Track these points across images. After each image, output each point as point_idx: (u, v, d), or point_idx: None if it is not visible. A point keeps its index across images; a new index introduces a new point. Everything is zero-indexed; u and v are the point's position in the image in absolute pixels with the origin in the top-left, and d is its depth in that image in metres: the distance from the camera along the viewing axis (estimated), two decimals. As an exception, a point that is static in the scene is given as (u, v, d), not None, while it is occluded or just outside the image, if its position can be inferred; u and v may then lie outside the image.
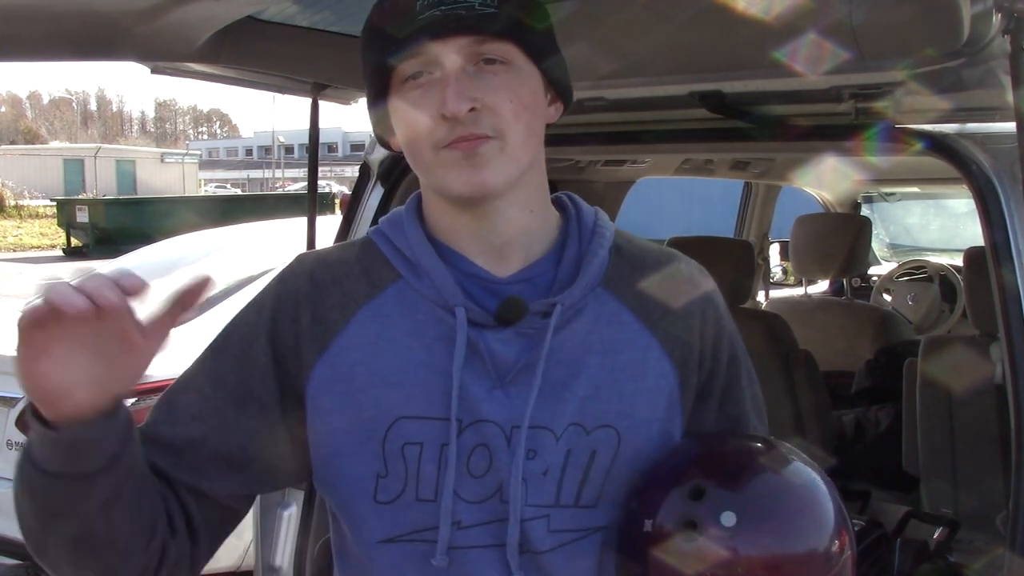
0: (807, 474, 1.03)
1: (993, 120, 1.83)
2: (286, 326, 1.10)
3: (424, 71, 1.02)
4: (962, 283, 4.24)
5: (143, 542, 1.01)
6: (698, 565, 0.96)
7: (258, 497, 1.27)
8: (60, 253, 21.28)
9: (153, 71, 1.79)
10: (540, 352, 1.05)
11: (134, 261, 5.38)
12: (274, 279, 1.15)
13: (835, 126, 1.96)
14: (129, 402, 3.76)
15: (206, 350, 1.14)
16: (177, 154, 53.92)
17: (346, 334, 1.08)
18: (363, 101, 2.14)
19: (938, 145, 1.79)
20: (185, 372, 1.14)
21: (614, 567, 1.08)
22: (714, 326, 1.14)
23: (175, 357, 4.08)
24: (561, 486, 1.06)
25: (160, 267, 5.09)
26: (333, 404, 1.07)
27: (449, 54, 1.00)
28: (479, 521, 1.05)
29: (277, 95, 2.13)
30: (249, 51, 1.72)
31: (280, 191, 41.91)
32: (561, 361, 1.06)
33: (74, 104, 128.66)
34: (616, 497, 1.07)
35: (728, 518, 0.96)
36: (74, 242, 21.02)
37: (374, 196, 2.32)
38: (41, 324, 0.87)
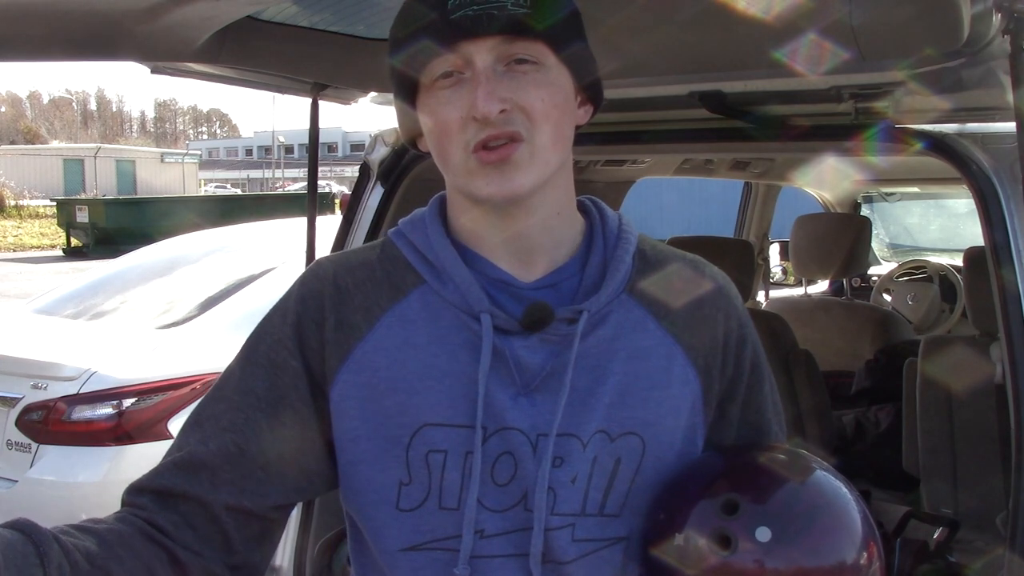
0: (836, 486, 1.02)
1: (993, 120, 1.83)
2: (311, 330, 1.08)
3: (455, 70, 1.01)
4: (962, 283, 4.24)
5: None
6: None
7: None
8: (60, 253, 21.28)
9: (153, 71, 1.79)
10: (568, 359, 1.04)
11: (134, 261, 5.38)
12: (294, 284, 1.13)
13: (835, 126, 1.96)
14: (129, 402, 3.76)
15: (230, 365, 1.12)
16: (177, 154, 53.89)
17: (370, 339, 1.07)
18: (363, 101, 2.15)
19: (938, 145, 1.79)
20: (209, 390, 1.11)
21: None
22: (737, 334, 1.13)
23: (175, 357, 4.08)
24: (587, 494, 1.05)
25: (160, 267, 5.10)
26: (357, 410, 1.06)
27: (481, 53, 0.99)
28: (502, 530, 1.04)
29: (277, 95, 2.13)
30: (249, 51, 1.72)
31: (280, 191, 41.89)
32: (586, 367, 1.05)
33: (74, 104, 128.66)
34: (639, 506, 1.06)
35: (763, 533, 0.95)
36: (74, 242, 21.01)
37: (374, 196, 2.32)
38: None
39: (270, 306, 1.15)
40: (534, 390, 1.04)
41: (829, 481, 1.03)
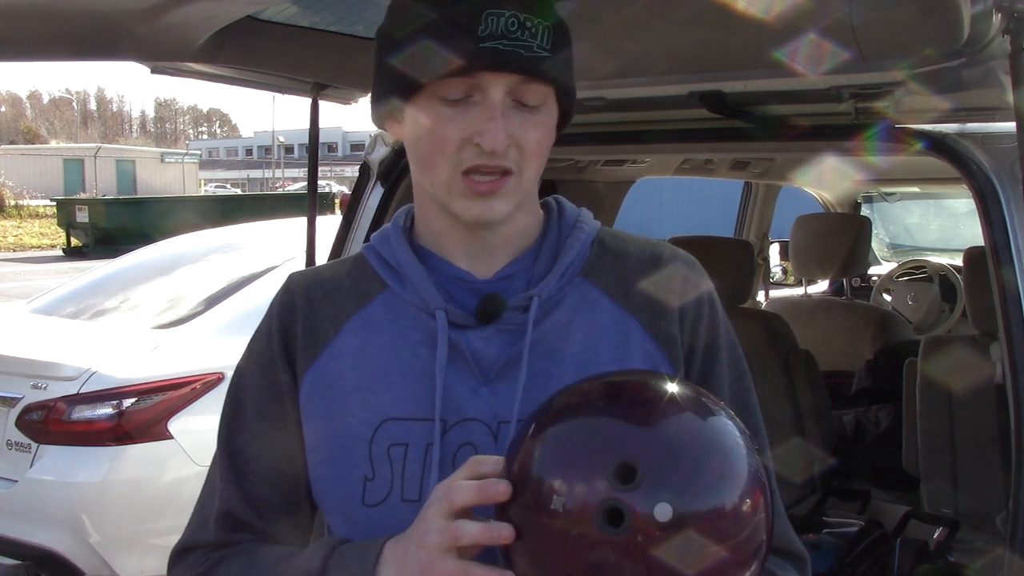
0: (715, 424, 0.89)
1: (993, 120, 1.83)
2: (290, 342, 1.13)
3: (464, 95, 1.02)
4: (962, 283, 4.24)
5: None
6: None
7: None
8: (60, 253, 21.28)
9: (153, 71, 1.79)
10: (522, 346, 1.06)
11: (134, 261, 5.38)
12: (272, 301, 1.18)
13: (835, 126, 1.96)
14: (129, 402, 3.75)
15: (233, 393, 1.16)
16: (177, 154, 53.89)
17: (335, 344, 1.11)
18: (363, 101, 2.15)
19: (938, 145, 1.79)
20: (224, 420, 1.16)
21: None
22: (693, 311, 1.13)
23: (175, 357, 4.06)
24: None
25: (160, 267, 5.10)
26: (321, 411, 1.10)
27: (498, 88, 1.01)
28: None
29: (277, 95, 2.13)
30: (249, 51, 1.72)
31: (280, 191, 41.89)
32: (543, 352, 1.08)
33: (74, 104, 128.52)
34: None
35: (663, 511, 0.82)
36: (74, 242, 21.01)
37: (374, 196, 2.32)
38: None
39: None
40: (493, 379, 1.07)
41: (710, 420, 0.89)
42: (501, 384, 1.07)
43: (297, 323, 1.13)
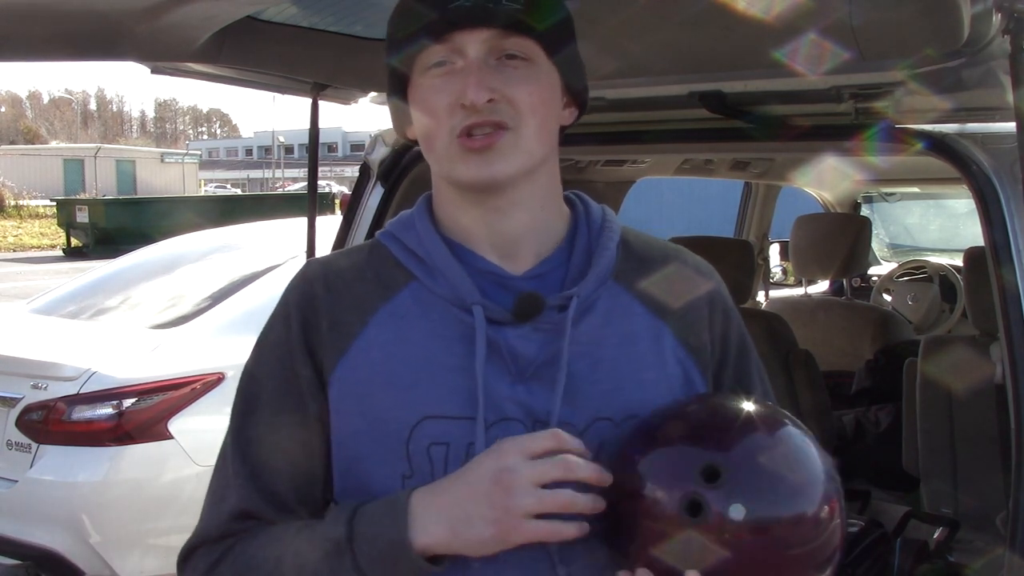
0: (797, 438, 1.00)
1: (993, 120, 1.83)
2: (312, 333, 1.10)
3: (447, 60, 1.05)
4: (962, 283, 4.24)
5: None
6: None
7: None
8: (60, 253, 21.28)
9: (153, 71, 1.79)
10: (561, 346, 1.06)
11: (134, 261, 5.38)
12: (287, 289, 1.15)
13: (835, 126, 1.96)
14: (129, 402, 3.75)
15: (246, 385, 1.13)
16: (177, 154, 53.89)
17: (364, 336, 1.09)
18: (363, 101, 2.15)
19: (938, 145, 1.79)
20: (236, 412, 1.13)
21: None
22: (722, 316, 1.16)
23: (175, 357, 4.06)
24: None
25: (160, 267, 5.10)
26: (353, 407, 1.08)
27: (474, 44, 1.03)
28: None
29: (277, 95, 2.13)
30: (249, 51, 1.72)
31: (280, 191, 41.89)
32: (579, 354, 1.07)
33: (74, 104, 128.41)
34: None
35: (737, 511, 0.93)
36: (74, 242, 21.00)
37: (374, 196, 2.32)
38: None
39: (271, 306, 1.16)
40: (530, 378, 1.06)
41: (791, 432, 1.01)
42: (537, 383, 1.06)
43: (320, 314, 1.10)
